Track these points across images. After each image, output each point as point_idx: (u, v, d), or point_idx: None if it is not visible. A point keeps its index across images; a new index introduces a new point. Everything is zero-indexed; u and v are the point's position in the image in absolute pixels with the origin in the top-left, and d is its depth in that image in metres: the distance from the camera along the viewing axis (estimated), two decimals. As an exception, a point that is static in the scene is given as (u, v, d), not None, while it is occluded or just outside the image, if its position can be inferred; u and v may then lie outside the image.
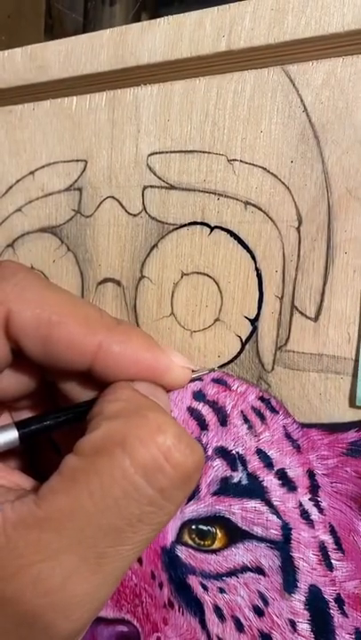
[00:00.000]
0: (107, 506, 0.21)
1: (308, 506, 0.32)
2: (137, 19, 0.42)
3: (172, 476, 0.22)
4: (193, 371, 0.28)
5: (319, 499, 0.32)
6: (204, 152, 0.35)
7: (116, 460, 0.21)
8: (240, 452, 0.34)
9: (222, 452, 0.34)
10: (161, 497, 0.22)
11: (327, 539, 0.32)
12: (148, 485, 0.21)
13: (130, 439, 0.22)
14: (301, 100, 0.32)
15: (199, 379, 0.34)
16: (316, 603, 0.32)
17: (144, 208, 0.37)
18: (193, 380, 0.30)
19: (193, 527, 0.35)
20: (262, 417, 0.33)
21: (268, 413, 0.33)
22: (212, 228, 0.35)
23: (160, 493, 0.22)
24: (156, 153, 0.36)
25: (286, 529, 0.33)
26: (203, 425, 0.35)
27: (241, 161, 0.34)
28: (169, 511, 0.23)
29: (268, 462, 0.33)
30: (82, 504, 0.21)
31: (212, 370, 0.34)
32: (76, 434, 0.23)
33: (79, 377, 0.27)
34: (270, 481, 0.33)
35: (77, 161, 0.39)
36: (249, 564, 0.33)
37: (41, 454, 0.30)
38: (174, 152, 0.36)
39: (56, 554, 0.21)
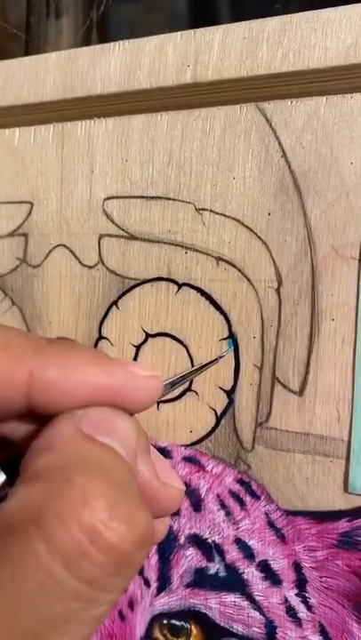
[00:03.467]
0: (20, 605, 0.16)
1: (295, 602, 0.29)
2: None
3: (102, 562, 0.17)
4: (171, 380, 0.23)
5: (307, 594, 0.28)
6: (168, 199, 0.30)
7: (30, 544, 0.16)
8: (217, 541, 0.30)
9: (196, 541, 0.30)
10: (90, 589, 0.17)
11: (317, 640, 0.28)
12: (71, 577, 0.16)
13: (46, 516, 0.17)
14: (280, 144, 0.28)
15: (174, 387, 0.28)
16: None
17: (101, 259, 0.32)
18: (166, 393, 0.24)
19: (165, 622, 0.31)
20: (242, 502, 0.29)
21: (247, 498, 0.29)
22: (179, 286, 0.31)
23: (89, 585, 0.17)
24: (114, 197, 0.32)
25: (270, 627, 0.29)
26: (174, 510, 0.31)
27: (211, 211, 0.30)
28: (105, 602, 0.18)
29: (248, 553, 0.29)
30: None
31: (194, 372, 0.28)
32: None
33: (23, 416, 0.21)
34: (251, 573, 0.29)
35: (21, 202, 0.34)
36: (229, 668, 0.30)
37: None
38: (134, 197, 0.31)
39: None
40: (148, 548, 0.19)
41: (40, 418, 0.21)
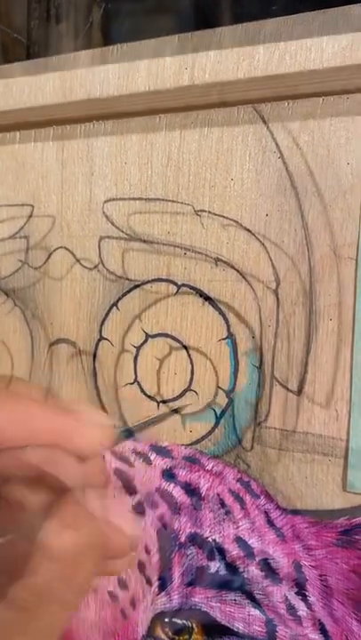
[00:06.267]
0: None
1: (295, 600, 0.29)
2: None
3: None
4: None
5: (307, 593, 0.29)
6: (167, 200, 0.31)
7: None
8: (217, 540, 0.30)
9: (197, 540, 0.31)
10: None
11: (317, 638, 0.28)
12: None
13: None
14: (277, 145, 0.28)
15: (132, 437, 0.27)
16: None
17: (101, 261, 0.33)
18: (122, 441, 0.24)
19: (166, 620, 0.31)
20: (241, 501, 0.30)
21: (247, 497, 0.30)
22: (178, 286, 0.31)
23: None
24: (113, 199, 0.32)
25: (271, 625, 0.29)
26: (174, 509, 0.31)
27: (209, 212, 0.30)
28: None
29: (248, 551, 0.30)
30: None
31: (144, 425, 0.27)
32: None
33: None
34: (252, 572, 0.30)
35: (23, 205, 0.34)
36: (230, 665, 0.30)
37: None
38: (133, 199, 0.32)
39: None
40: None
41: None
